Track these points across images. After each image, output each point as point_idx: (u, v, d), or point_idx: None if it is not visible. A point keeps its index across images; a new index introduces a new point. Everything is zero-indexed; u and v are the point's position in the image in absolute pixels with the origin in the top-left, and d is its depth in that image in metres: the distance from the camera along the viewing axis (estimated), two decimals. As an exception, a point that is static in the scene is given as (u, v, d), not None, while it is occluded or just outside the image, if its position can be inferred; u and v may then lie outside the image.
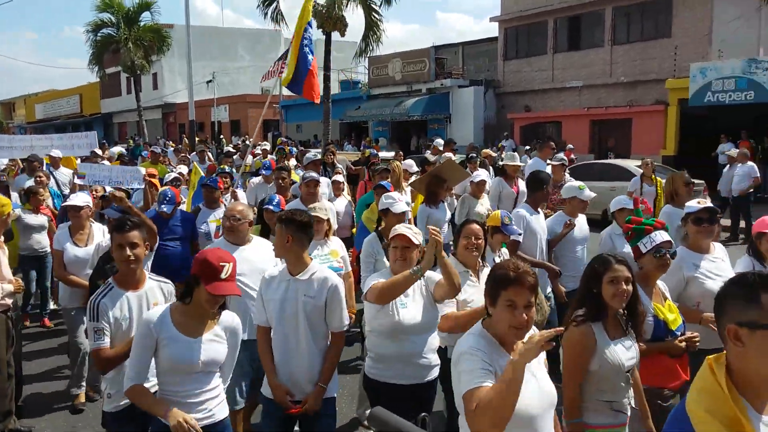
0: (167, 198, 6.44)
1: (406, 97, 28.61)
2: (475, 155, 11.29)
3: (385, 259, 4.82)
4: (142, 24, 29.88)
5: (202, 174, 8.37)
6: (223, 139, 35.18)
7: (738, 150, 14.48)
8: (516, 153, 10.53)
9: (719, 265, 4.41)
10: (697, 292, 4.28)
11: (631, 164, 14.74)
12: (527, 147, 16.84)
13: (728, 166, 14.11)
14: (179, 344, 3.11)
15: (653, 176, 10.63)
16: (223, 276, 3.05)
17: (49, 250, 7.88)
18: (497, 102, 28.63)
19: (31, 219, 7.93)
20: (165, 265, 5.84)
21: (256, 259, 4.50)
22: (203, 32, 45.14)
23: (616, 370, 3.18)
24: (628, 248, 5.58)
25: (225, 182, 8.29)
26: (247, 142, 31.20)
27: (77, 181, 8.54)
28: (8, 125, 58.73)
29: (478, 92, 28.18)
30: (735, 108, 18.74)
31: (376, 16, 19.54)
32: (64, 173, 11.26)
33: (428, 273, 3.75)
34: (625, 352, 3.23)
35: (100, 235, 6.07)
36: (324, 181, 8.46)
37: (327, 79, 17.92)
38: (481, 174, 8.56)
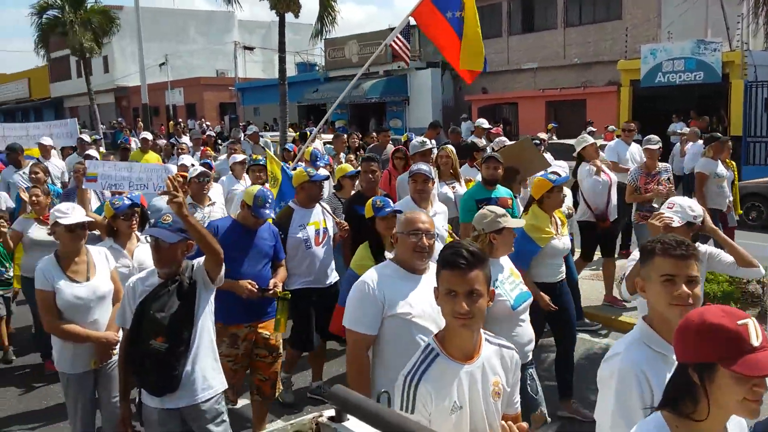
0: (269, 201, 4.53)
1: (364, 79, 28.46)
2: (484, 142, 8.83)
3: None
4: (88, 5, 28.96)
5: (281, 163, 6.63)
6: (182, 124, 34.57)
7: (689, 129, 14.85)
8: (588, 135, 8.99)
9: None
10: None
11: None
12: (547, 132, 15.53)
13: (678, 144, 14.50)
14: None
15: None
16: (756, 343, 1.68)
17: None
18: (454, 84, 28.65)
19: (38, 232, 5.87)
20: (243, 300, 4.38)
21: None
22: (154, 13, 44.07)
23: None
24: None
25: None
26: (204, 126, 30.93)
27: (87, 185, 6.02)
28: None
29: (435, 74, 28.15)
30: (683, 88, 19.18)
31: (331, -3, 19.35)
32: (57, 166, 9.60)
33: None
34: None
35: (104, 262, 4.14)
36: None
37: (282, 61, 17.77)
38: (564, 165, 6.90)
